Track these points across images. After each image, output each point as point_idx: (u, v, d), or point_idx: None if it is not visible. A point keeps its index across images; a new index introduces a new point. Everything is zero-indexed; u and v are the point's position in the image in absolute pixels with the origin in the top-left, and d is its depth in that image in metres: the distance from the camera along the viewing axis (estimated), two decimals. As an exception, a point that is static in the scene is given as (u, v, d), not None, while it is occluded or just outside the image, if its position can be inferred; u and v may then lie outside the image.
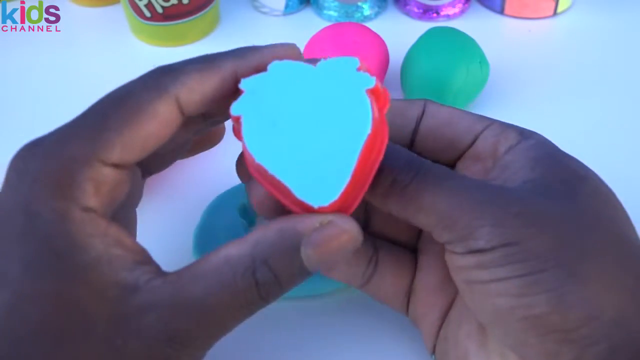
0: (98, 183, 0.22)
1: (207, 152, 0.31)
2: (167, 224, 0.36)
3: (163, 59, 0.54)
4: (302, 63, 0.24)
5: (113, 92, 0.23)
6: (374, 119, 0.22)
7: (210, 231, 0.34)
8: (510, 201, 0.23)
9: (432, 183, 0.23)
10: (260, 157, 0.22)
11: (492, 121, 0.28)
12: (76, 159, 0.22)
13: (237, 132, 0.24)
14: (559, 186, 0.24)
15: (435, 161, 0.25)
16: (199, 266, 0.22)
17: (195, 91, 0.23)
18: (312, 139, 0.22)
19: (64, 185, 0.21)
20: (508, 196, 0.23)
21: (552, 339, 0.21)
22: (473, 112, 0.28)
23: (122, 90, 0.23)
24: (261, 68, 0.24)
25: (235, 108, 0.23)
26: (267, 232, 0.22)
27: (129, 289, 0.21)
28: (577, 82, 0.47)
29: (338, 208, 0.22)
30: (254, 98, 0.23)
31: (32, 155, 0.22)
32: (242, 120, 0.23)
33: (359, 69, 0.23)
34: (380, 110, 0.24)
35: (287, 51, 0.25)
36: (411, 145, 0.28)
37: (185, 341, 0.21)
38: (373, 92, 0.23)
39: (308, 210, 0.22)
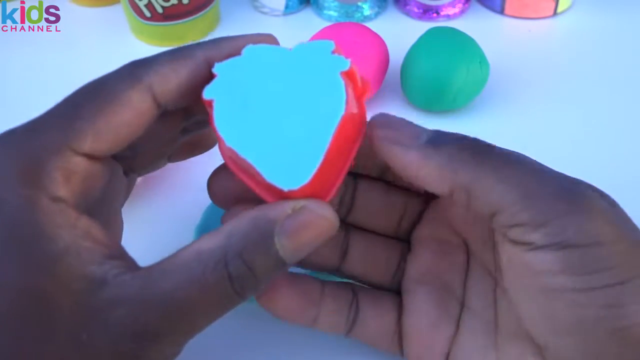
0: (68, 172, 0.21)
1: (206, 152, 0.31)
2: (167, 224, 0.36)
3: (163, 59, 0.53)
4: (277, 46, 0.24)
5: (87, 84, 0.23)
6: (348, 101, 0.22)
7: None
8: (588, 194, 0.21)
9: (516, 156, 0.22)
10: (230, 140, 0.22)
11: None
12: (46, 147, 0.21)
13: (211, 120, 0.23)
14: None
15: (426, 193, 0.25)
16: (170, 261, 0.21)
17: (169, 79, 0.23)
18: (284, 121, 0.22)
19: (33, 173, 0.21)
20: (582, 186, 0.22)
21: (632, 350, 0.20)
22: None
23: (96, 81, 0.23)
24: (236, 55, 0.24)
25: (207, 92, 0.23)
26: (240, 222, 0.21)
27: (96, 282, 0.20)
28: (577, 82, 0.47)
29: (311, 193, 0.22)
30: (227, 81, 0.23)
31: (3, 144, 0.22)
32: (214, 104, 0.22)
33: (334, 52, 0.23)
34: (358, 98, 0.23)
35: (263, 40, 0.25)
36: (382, 175, 0.28)
37: (154, 337, 0.21)
38: (348, 75, 0.23)
39: (279, 195, 0.22)
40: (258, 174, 0.21)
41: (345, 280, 0.29)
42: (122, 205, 0.27)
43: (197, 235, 0.34)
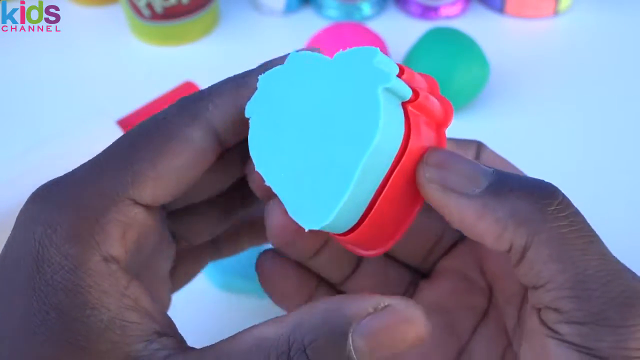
0: (125, 226, 0.19)
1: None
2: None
3: (163, 58, 0.54)
4: (320, 55, 0.21)
5: (143, 122, 0.21)
6: (412, 132, 0.19)
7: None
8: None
9: (585, 226, 0.19)
10: (259, 165, 0.20)
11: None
12: (104, 194, 0.19)
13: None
14: None
15: None
16: (227, 346, 0.18)
17: (230, 112, 0.21)
18: (313, 149, 0.19)
19: (86, 227, 0.18)
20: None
21: None
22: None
23: (152, 119, 0.21)
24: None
25: (248, 108, 0.21)
26: (311, 312, 0.18)
27: None
28: (578, 81, 0.47)
29: (355, 239, 0.19)
30: (265, 96, 0.20)
31: (49, 194, 0.19)
32: (250, 122, 0.20)
33: (399, 68, 0.19)
34: (438, 127, 0.20)
35: None
36: None
37: None
38: (417, 101, 0.19)
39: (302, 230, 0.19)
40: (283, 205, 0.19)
41: None
42: (168, 270, 0.25)
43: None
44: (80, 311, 0.18)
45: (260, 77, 0.21)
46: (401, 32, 0.49)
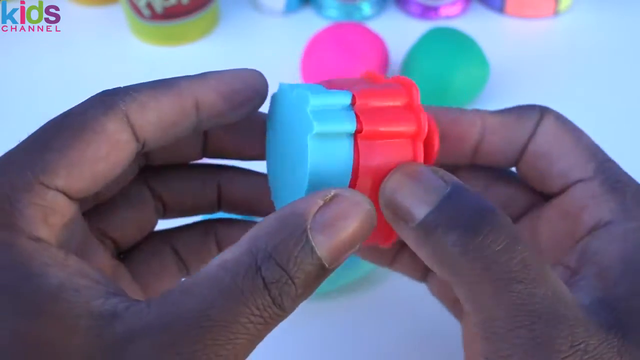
0: (45, 209, 0.19)
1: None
2: (168, 224, 0.36)
3: (163, 58, 0.54)
4: (293, 86, 0.22)
5: (54, 117, 0.20)
6: (357, 159, 0.20)
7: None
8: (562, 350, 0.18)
9: (505, 267, 0.19)
10: (270, 181, 0.23)
11: (595, 173, 0.23)
12: (14, 185, 0.18)
13: None
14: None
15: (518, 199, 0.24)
16: (191, 280, 0.18)
17: (149, 109, 0.20)
18: (287, 167, 0.21)
19: (4, 216, 0.18)
20: (555, 336, 0.18)
21: None
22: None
23: (64, 112, 0.20)
24: (224, 92, 0.22)
25: (267, 122, 0.24)
26: (266, 224, 0.18)
27: (106, 317, 0.17)
28: (577, 81, 0.47)
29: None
30: (275, 106, 0.23)
31: None
32: (266, 136, 0.23)
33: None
34: (413, 139, 0.21)
35: (249, 77, 0.22)
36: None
37: None
38: (366, 133, 0.20)
39: None
40: None
41: None
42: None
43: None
44: (26, 281, 0.17)
45: (271, 95, 0.22)
46: (401, 32, 0.49)
